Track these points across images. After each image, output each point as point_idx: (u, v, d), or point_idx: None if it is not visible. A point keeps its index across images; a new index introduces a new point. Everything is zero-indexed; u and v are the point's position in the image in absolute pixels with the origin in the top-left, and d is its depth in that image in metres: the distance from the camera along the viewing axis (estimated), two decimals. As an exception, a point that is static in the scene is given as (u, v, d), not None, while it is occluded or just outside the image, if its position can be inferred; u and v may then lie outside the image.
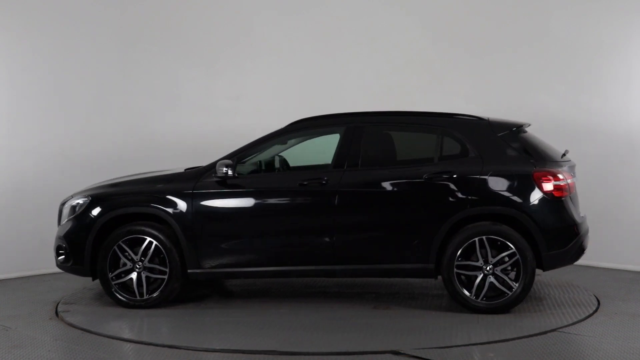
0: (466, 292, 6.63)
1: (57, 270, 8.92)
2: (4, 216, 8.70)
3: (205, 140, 9.86)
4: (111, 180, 7.69)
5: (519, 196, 6.63)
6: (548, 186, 6.60)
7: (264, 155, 7.36)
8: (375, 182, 6.89)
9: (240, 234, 7.03)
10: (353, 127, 7.08)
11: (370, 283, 7.90)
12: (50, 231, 8.97)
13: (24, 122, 8.87)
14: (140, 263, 7.02)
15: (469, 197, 6.68)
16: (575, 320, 6.38)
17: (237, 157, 7.12)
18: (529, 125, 7.28)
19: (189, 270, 7.01)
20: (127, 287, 7.07)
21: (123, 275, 7.04)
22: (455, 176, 6.72)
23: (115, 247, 7.03)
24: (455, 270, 6.64)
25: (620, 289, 7.61)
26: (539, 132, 9.30)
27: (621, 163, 8.70)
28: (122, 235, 7.02)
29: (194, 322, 6.56)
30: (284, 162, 7.61)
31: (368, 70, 10.50)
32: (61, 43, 9.14)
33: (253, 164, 7.37)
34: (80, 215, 7.20)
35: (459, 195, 6.70)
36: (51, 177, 9.02)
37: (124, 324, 6.52)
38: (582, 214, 7.03)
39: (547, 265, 6.70)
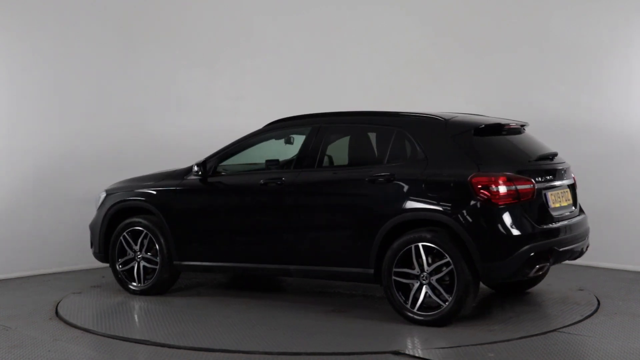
0: (402, 301, 6.30)
1: (57, 270, 8.97)
2: (4, 216, 8.70)
3: (205, 140, 9.84)
4: (132, 177, 8.16)
5: (453, 202, 6.15)
6: (485, 192, 6.04)
7: (248, 154, 7.49)
8: (324, 183, 6.81)
9: (212, 230, 7.35)
10: (317, 127, 7.07)
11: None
12: (50, 231, 9.00)
13: (24, 122, 8.87)
14: (139, 253, 7.59)
15: (406, 202, 6.33)
16: (575, 320, 6.38)
17: (218, 156, 7.42)
18: (526, 124, 7.03)
19: (174, 262, 7.46)
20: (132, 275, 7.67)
21: (127, 264, 7.65)
22: (393, 179, 6.42)
23: (121, 238, 7.64)
24: (393, 277, 6.31)
25: (620, 289, 7.61)
26: (539, 132, 9.31)
27: (621, 163, 8.70)
28: (126, 227, 7.63)
29: (194, 322, 6.56)
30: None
31: (368, 70, 10.51)
32: (61, 43, 9.13)
33: (245, 163, 7.54)
34: (99, 208, 7.95)
35: (396, 199, 6.36)
36: (51, 177, 9.02)
37: (124, 324, 6.52)
38: (566, 220, 6.52)
39: (484, 277, 6.17)
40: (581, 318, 6.45)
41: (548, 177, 6.48)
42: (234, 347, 5.72)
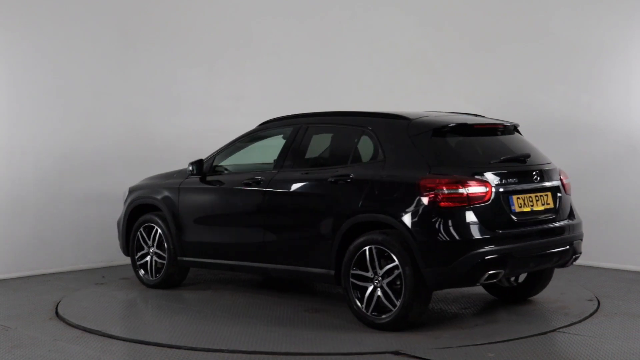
0: (359, 304, 6.22)
1: (57, 270, 8.97)
2: (4, 216, 8.70)
3: (205, 140, 9.85)
4: (154, 174, 8.46)
5: (402, 204, 6.02)
6: (432, 195, 5.88)
7: (243, 154, 7.59)
8: (294, 183, 6.84)
9: (206, 227, 7.54)
10: (297, 127, 7.12)
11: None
12: (50, 231, 9.00)
13: (24, 122, 8.87)
14: (151, 248, 7.95)
15: (360, 203, 6.25)
16: (575, 320, 6.37)
17: (215, 156, 7.65)
18: (515, 124, 6.81)
19: (178, 258, 7.71)
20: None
21: (143, 258, 8.03)
22: (350, 180, 6.37)
23: (138, 233, 8.02)
24: (350, 279, 6.26)
25: (620, 289, 7.60)
26: (539, 132, 9.32)
27: (621, 163, 8.69)
28: (141, 223, 8.01)
29: (194, 322, 6.56)
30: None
31: (368, 70, 10.51)
32: (61, 43, 9.13)
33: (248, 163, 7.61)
34: (124, 204, 8.34)
35: (352, 200, 6.30)
36: (51, 177, 9.02)
37: (124, 324, 6.52)
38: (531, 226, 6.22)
39: (430, 282, 5.95)
40: (581, 318, 6.44)
41: (512, 180, 6.18)
42: (234, 347, 5.71)
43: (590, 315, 6.56)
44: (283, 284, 8.04)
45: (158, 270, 7.90)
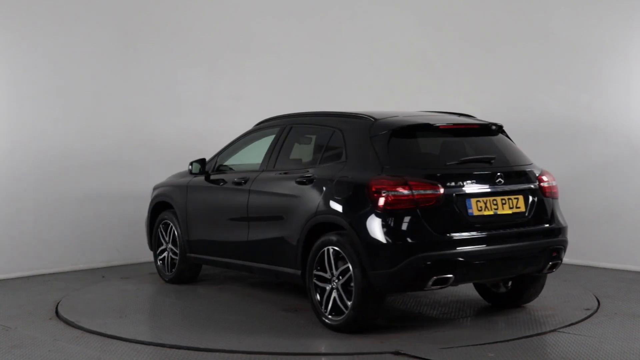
0: (319, 305, 6.19)
1: (57, 270, 8.97)
2: (4, 216, 8.70)
3: (205, 140, 9.86)
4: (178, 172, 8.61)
5: (353, 206, 5.96)
6: (378, 197, 5.78)
7: (245, 153, 7.66)
8: (271, 183, 6.89)
9: (206, 224, 7.69)
10: (282, 128, 7.19)
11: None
12: (50, 231, 9.00)
13: (24, 122, 8.87)
14: (168, 245, 8.20)
15: (320, 204, 6.22)
16: (575, 320, 6.37)
17: (217, 155, 7.81)
18: (499, 125, 6.56)
19: (187, 254, 7.93)
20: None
21: (162, 254, 8.31)
22: (313, 181, 6.39)
23: (159, 230, 8.29)
24: (313, 280, 6.25)
25: (620, 289, 7.60)
26: (538, 132, 9.32)
27: (621, 163, 8.69)
28: (160, 220, 8.29)
29: (194, 322, 6.56)
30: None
31: (368, 70, 10.51)
32: (61, 43, 9.13)
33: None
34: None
35: (314, 201, 6.28)
36: (51, 177, 9.02)
37: (124, 324, 6.51)
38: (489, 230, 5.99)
39: (377, 285, 5.83)
40: (581, 318, 6.44)
41: (471, 182, 5.98)
42: (233, 347, 5.71)
43: (590, 315, 6.56)
44: (289, 282, 8.05)
45: (173, 265, 8.16)
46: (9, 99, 8.81)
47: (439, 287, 5.87)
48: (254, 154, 7.73)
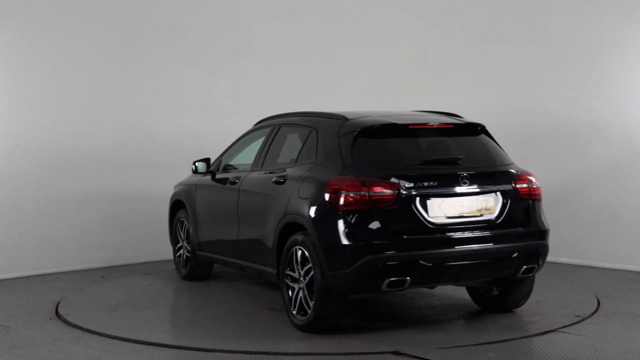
0: (289, 304, 6.21)
1: (57, 270, 8.97)
2: (4, 216, 8.70)
3: (205, 140, 9.87)
4: None
5: (313, 206, 5.91)
6: (336, 197, 5.73)
7: (248, 152, 7.68)
8: (256, 183, 6.96)
9: (209, 223, 7.83)
10: (272, 128, 7.28)
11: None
12: (50, 231, 8.99)
13: (24, 122, 8.87)
14: (183, 242, 8.38)
15: (289, 203, 6.22)
16: (575, 320, 6.37)
17: (224, 154, 7.94)
18: (480, 125, 6.39)
19: (196, 252, 8.07)
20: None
21: (179, 251, 8.51)
22: (283, 181, 6.43)
23: (177, 228, 8.50)
24: (285, 279, 6.25)
25: (620, 289, 7.60)
26: (538, 132, 9.32)
27: (621, 163, 8.70)
28: (178, 218, 8.47)
29: (193, 322, 6.56)
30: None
31: (368, 70, 10.51)
32: (62, 43, 9.13)
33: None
34: None
35: (284, 201, 6.30)
36: (51, 177, 9.02)
37: (124, 324, 6.51)
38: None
39: (334, 286, 5.79)
40: (581, 318, 6.44)
41: (433, 183, 5.84)
42: (233, 348, 5.71)
43: (590, 315, 6.56)
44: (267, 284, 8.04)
45: (188, 263, 8.34)
46: (9, 99, 8.82)
47: (395, 289, 5.78)
48: (254, 154, 7.76)
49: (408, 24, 10.33)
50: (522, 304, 6.62)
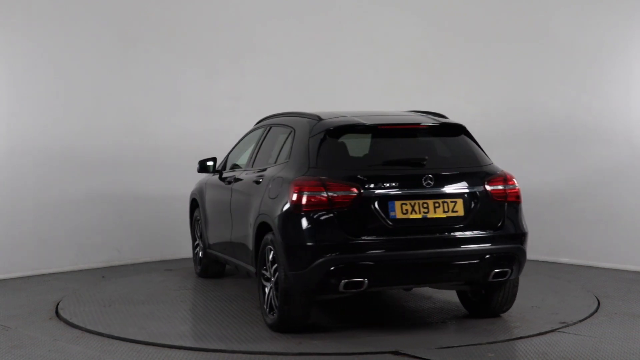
0: (263, 303, 6.23)
1: (57, 270, 8.97)
2: (4, 216, 8.70)
3: (205, 141, 9.87)
4: None
5: (278, 206, 5.93)
6: (297, 197, 5.71)
7: (247, 152, 7.72)
8: (243, 182, 7.04)
9: (213, 221, 7.95)
10: (265, 128, 7.36)
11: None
12: (50, 231, 8.99)
13: (24, 122, 8.87)
14: (199, 241, 8.52)
15: (261, 203, 6.28)
16: (575, 320, 6.37)
17: (230, 154, 8.02)
18: (460, 125, 6.26)
19: (207, 250, 8.20)
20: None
21: (196, 248, 8.68)
22: (259, 181, 6.51)
23: (194, 226, 8.68)
24: (261, 279, 6.27)
25: (620, 289, 7.60)
26: (538, 132, 9.32)
27: (621, 163, 8.70)
28: (195, 217, 8.62)
29: (193, 322, 6.56)
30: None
31: (368, 70, 10.51)
32: (61, 43, 9.13)
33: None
34: None
35: (258, 200, 6.36)
36: (51, 177, 9.03)
37: (124, 324, 6.51)
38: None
39: (294, 287, 5.77)
40: (581, 318, 6.44)
41: (396, 184, 5.75)
42: (233, 348, 5.71)
43: (590, 315, 6.56)
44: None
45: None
46: (9, 99, 8.82)
47: (353, 290, 5.72)
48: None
49: (408, 24, 10.33)
50: (507, 309, 6.47)
